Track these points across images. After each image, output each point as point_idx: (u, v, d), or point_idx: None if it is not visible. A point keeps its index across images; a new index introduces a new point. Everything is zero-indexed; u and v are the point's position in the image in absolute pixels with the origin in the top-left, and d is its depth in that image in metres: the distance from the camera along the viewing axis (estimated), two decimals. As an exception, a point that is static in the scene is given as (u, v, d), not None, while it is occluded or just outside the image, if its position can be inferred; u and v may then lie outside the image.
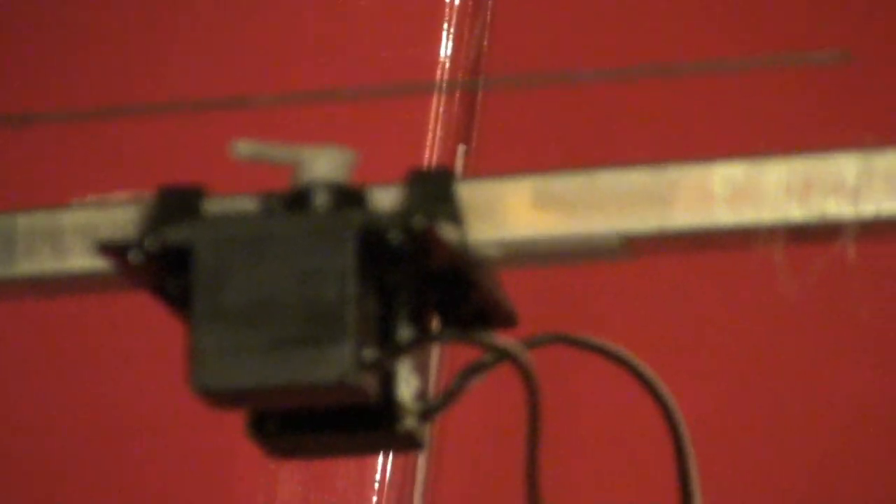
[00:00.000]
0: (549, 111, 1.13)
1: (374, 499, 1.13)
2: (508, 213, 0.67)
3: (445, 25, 1.22)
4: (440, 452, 1.11)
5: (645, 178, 0.67)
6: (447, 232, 0.64)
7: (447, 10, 1.20)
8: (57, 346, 1.31)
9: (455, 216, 0.65)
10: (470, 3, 1.22)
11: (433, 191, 0.66)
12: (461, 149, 1.16)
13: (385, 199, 0.66)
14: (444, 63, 1.21)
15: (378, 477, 1.12)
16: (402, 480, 1.10)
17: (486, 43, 1.20)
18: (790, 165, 0.66)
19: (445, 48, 1.22)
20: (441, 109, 1.18)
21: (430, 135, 1.16)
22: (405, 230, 0.62)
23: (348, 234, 0.62)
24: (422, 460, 1.12)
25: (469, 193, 0.67)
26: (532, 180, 0.68)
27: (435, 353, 0.71)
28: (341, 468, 1.12)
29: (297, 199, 0.64)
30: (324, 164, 0.65)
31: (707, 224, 0.65)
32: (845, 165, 0.66)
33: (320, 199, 0.64)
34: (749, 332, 1.05)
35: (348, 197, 0.65)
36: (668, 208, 0.66)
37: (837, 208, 0.66)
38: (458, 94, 1.19)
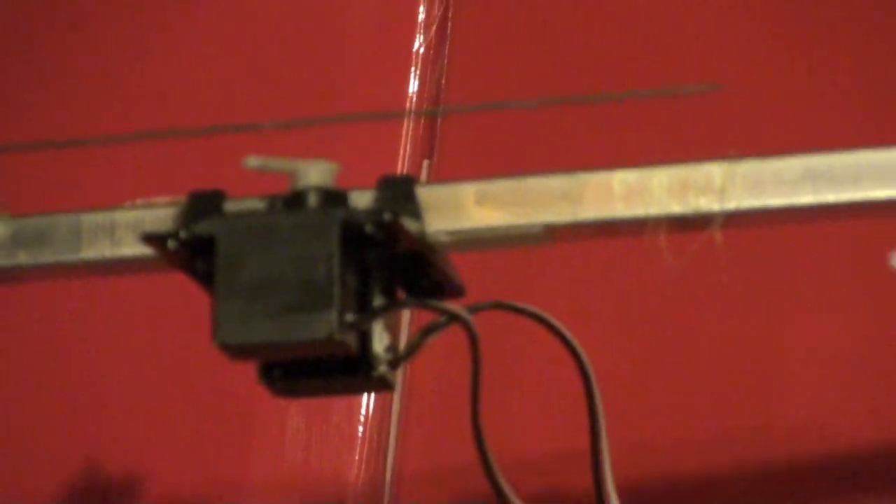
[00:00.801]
0: (492, 132, 1.10)
1: (360, 429, 1.09)
2: (458, 209, 0.66)
3: (413, 69, 1.19)
4: (411, 393, 1.08)
5: (562, 182, 0.65)
6: (410, 224, 0.63)
7: (414, 57, 1.18)
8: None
9: (416, 212, 0.65)
10: (432, 51, 1.19)
11: (399, 193, 0.64)
12: (425, 163, 1.13)
13: (362, 199, 0.65)
14: (411, 97, 1.18)
15: (363, 412, 1.09)
16: (382, 416, 1.07)
17: (444, 81, 1.17)
18: (671, 171, 0.65)
19: (413, 85, 1.19)
20: (409, 132, 1.15)
21: (400, 151, 1.13)
22: (377, 223, 0.61)
23: (333, 226, 0.62)
24: (396, 398, 1.09)
25: (427, 195, 0.66)
26: (476, 184, 0.67)
27: (405, 317, 0.71)
28: (335, 405, 1.09)
29: (295, 200, 0.64)
30: (315, 173, 0.65)
31: (609, 217, 0.65)
32: (713, 171, 0.65)
33: (312, 200, 0.63)
34: (642, 300, 1.02)
35: (334, 198, 0.65)
36: (579, 204, 0.64)
37: (708, 205, 0.64)
38: (422, 121, 1.16)
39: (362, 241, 0.62)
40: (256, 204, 0.65)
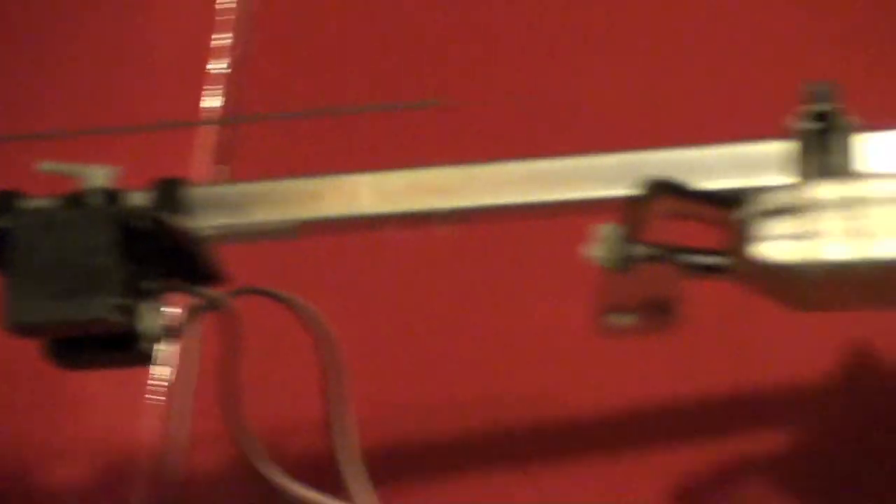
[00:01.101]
0: (280, 141, 1.13)
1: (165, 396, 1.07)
2: (223, 207, 0.71)
3: (211, 84, 1.19)
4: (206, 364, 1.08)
5: (309, 185, 0.71)
6: (179, 220, 0.68)
7: (209, 76, 1.17)
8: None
9: (185, 210, 0.70)
10: (230, 70, 1.19)
11: (170, 193, 0.70)
12: (220, 168, 1.16)
13: (139, 199, 0.70)
14: (210, 109, 1.19)
15: (168, 376, 1.08)
16: (180, 383, 1.07)
17: (237, 94, 1.17)
18: (406, 175, 0.70)
19: (210, 100, 1.20)
20: (207, 142, 1.17)
21: (196, 157, 1.16)
22: (151, 219, 0.66)
23: (112, 222, 0.67)
24: (187, 367, 1.08)
25: (198, 194, 0.72)
26: (241, 186, 0.72)
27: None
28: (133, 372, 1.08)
29: (80, 199, 0.69)
30: (98, 176, 0.69)
31: (350, 214, 0.70)
32: (449, 175, 0.70)
33: (95, 199, 0.68)
34: (391, 287, 1.04)
35: (114, 197, 0.69)
36: (323, 202, 0.70)
37: (441, 203, 0.70)
38: (221, 130, 1.17)
39: (136, 235, 0.66)
40: (49, 203, 0.69)
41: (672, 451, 1.02)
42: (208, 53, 1.23)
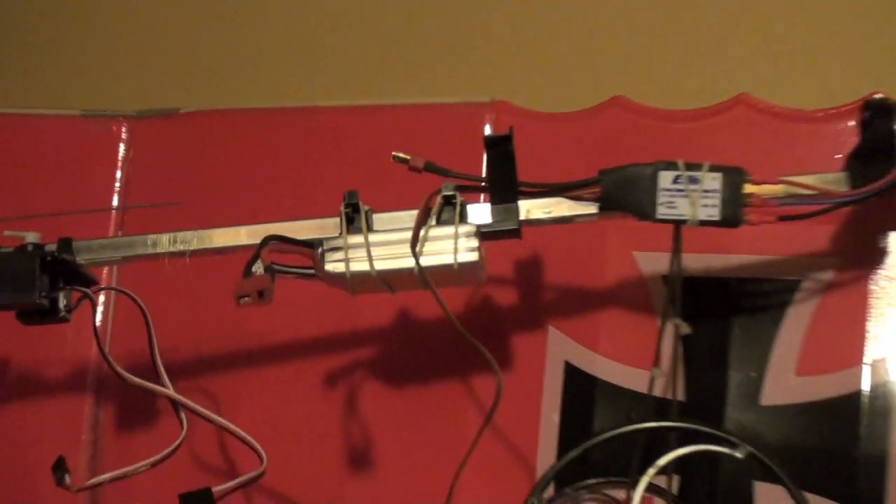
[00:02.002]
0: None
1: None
2: (96, 251, 1.17)
3: None
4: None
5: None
6: (70, 258, 1.13)
7: None
8: None
9: (75, 252, 1.15)
10: None
11: (69, 244, 1.13)
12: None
13: (51, 247, 1.11)
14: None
15: None
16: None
17: None
18: None
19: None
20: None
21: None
22: (53, 256, 1.08)
23: (37, 257, 1.08)
24: None
25: (81, 245, 1.18)
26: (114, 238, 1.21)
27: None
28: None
29: (24, 248, 1.08)
30: (31, 237, 1.10)
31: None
32: None
33: (29, 248, 1.09)
34: None
35: (38, 247, 1.10)
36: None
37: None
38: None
39: (49, 263, 1.10)
40: (7, 249, 1.13)
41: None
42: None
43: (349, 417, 1.33)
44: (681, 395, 1.27)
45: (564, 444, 1.29)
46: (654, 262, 1.27)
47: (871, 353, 1.26)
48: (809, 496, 1.16)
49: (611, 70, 1.43)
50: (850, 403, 1.25)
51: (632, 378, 1.29)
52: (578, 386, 1.33)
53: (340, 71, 1.53)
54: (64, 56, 1.66)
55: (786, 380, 1.28)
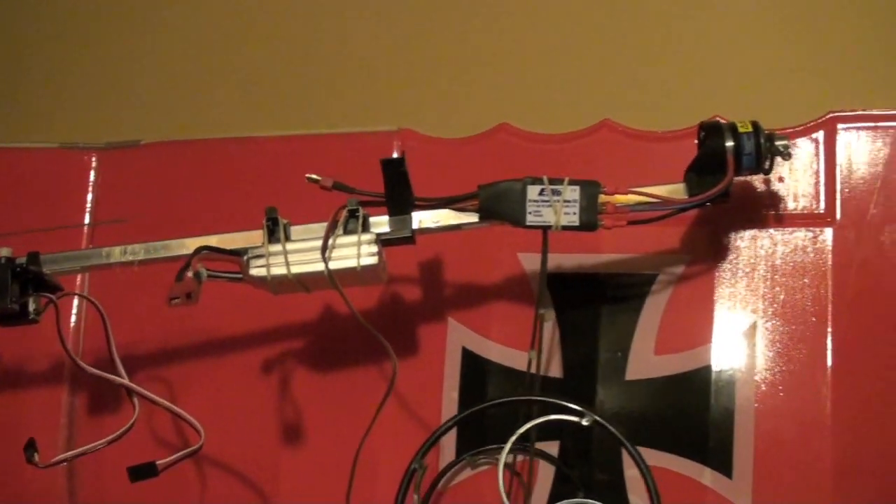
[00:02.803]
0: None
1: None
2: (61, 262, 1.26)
3: None
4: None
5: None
6: (38, 268, 1.20)
7: None
8: None
9: (42, 264, 1.22)
10: None
11: (36, 258, 1.21)
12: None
13: (21, 260, 1.19)
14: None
15: None
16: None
17: None
18: None
19: None
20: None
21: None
22: (23, 267, 1.17)
23: (8, 269, 1.17)
24: None
25: (47, 257, 1.25)
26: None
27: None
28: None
29: None
30: (4, 251, 1.17)
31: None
32: None
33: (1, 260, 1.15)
34: None
35: (10, 259, 1.16)
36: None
37: None
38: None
39: (19, 273, 1.18)
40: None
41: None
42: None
43: (280, 397, 1.39)
44: (559, 373, 1.36)
45: (463, 425, 1.33)
46: (535, 262, 1.30)
47: (716, 334, 1.34)
48: (668, 455, 1.29)
49: (498, 99, 1.50)
50: (700, 376, 1.33)
51: (517, 359, 1.35)
52: (474, 368, 1.39)
53: (273, 104, 1.58)
54: (44, 92, 1.70)
55: (646, 358, 1.35)
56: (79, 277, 1.46)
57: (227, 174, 1.49)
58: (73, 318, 1.46)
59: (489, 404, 1.20)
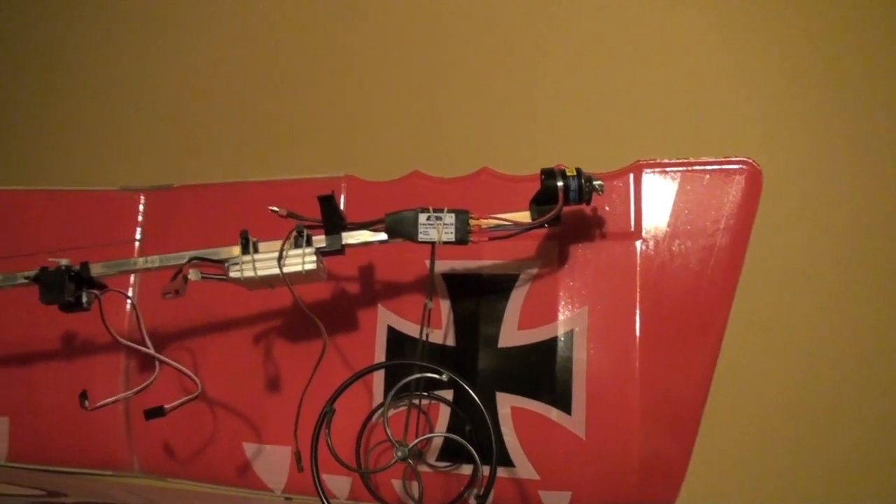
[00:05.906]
0: None
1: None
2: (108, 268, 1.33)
3: None
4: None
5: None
6: (89, 272, 1.25)
7: None
8: None
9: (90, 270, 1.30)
10: None
11: (87, 267, 1.26)
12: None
13: (77, 268, 1.27)
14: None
15: None
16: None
17: None
18: None
19: None
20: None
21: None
22: (77, 272, 1.24)
23: (65, 273, 1.20)
24: None
25: (95, 268, 1.32)
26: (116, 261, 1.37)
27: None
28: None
29: (58, 267, 1.24)
30: (63, 261, 1.24)
31: None
32: None
33: (61, 268, 1.23)
34: None
35: (68, 267, 1.23)
36: None
37: None
38: None
39: (72, 277, 1.25)
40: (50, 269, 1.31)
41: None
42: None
43: (263, 360, 1.41)
44: (453, 343, 1.40)
45: (388, 380, 1.37)
46: (438, 267, 1.40)
47: (560, 315, 1.37)
48: (528, 400, 1.32)
49: (411, 151, 1.50)
50: (549, 344, 1.37)
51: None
52: (396, 341, 1.40)
53: (257, 156, 1.54)
54: (102, 141, 1.63)
55: (513, 332, 1.38)
56: (131, 278, 1.51)
57: (226, 207, 1.51)
58: (128, 307, 1.48)
59: (375, 366, 1.25)
